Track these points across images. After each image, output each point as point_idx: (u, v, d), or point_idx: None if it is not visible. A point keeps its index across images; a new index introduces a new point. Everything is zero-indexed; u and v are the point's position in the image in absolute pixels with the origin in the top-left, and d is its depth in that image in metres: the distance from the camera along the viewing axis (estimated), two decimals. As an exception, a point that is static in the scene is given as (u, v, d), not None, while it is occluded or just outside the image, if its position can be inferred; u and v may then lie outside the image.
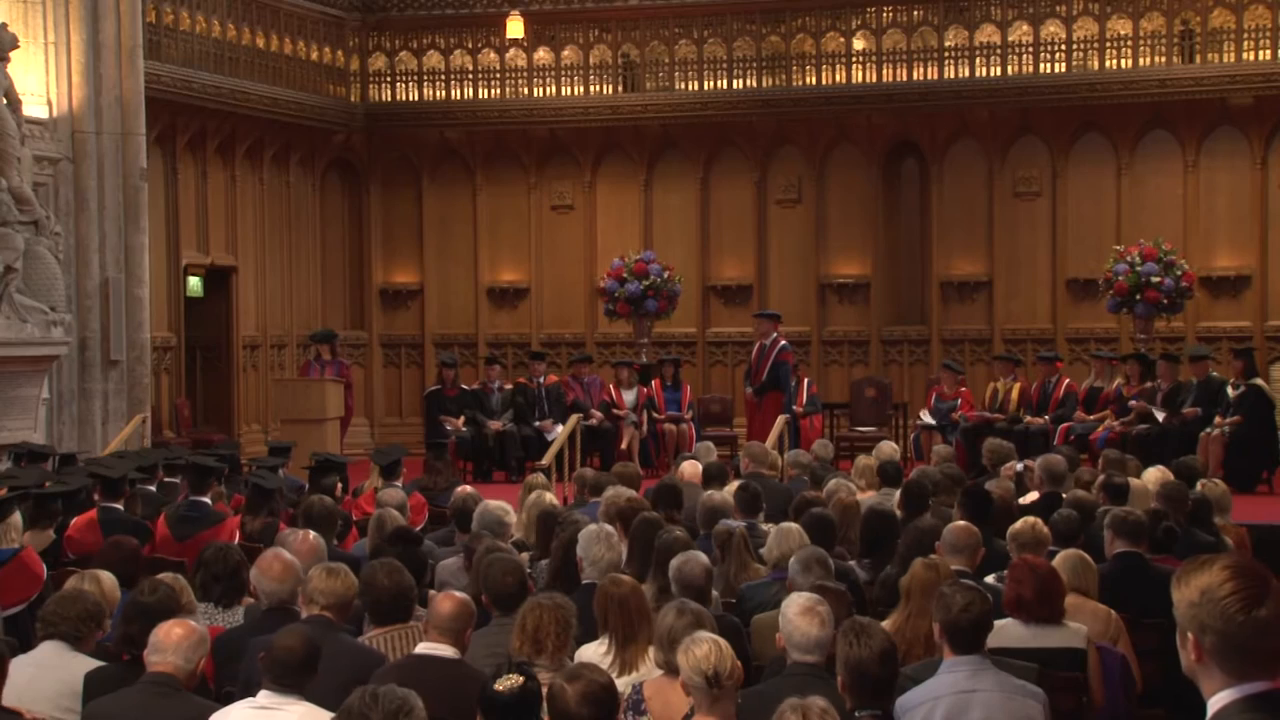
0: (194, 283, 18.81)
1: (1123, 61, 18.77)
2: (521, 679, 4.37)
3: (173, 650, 5.27)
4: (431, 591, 7.06)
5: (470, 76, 20.72)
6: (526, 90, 20.58)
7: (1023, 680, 5.34)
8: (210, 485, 9.80)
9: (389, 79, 20.96)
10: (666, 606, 5.60)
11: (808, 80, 19.76)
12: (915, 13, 19.44)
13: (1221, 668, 3.03)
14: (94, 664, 5.77)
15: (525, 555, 7.95)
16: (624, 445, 16.93)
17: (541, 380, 17.64)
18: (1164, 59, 18.60)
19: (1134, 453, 13.04)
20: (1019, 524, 7.56)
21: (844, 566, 7.49)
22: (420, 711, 4.09)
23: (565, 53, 20.45)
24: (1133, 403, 15.50)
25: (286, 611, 6.18)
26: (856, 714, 4.90)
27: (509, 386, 17.75)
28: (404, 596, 6.14)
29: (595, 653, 5.89)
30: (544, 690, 4.47)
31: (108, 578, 6.48)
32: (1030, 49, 19.05)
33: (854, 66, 19.57)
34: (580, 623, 5.64)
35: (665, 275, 18.57)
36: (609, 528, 7.15)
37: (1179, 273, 17.19)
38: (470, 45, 20.76)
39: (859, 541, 8.38)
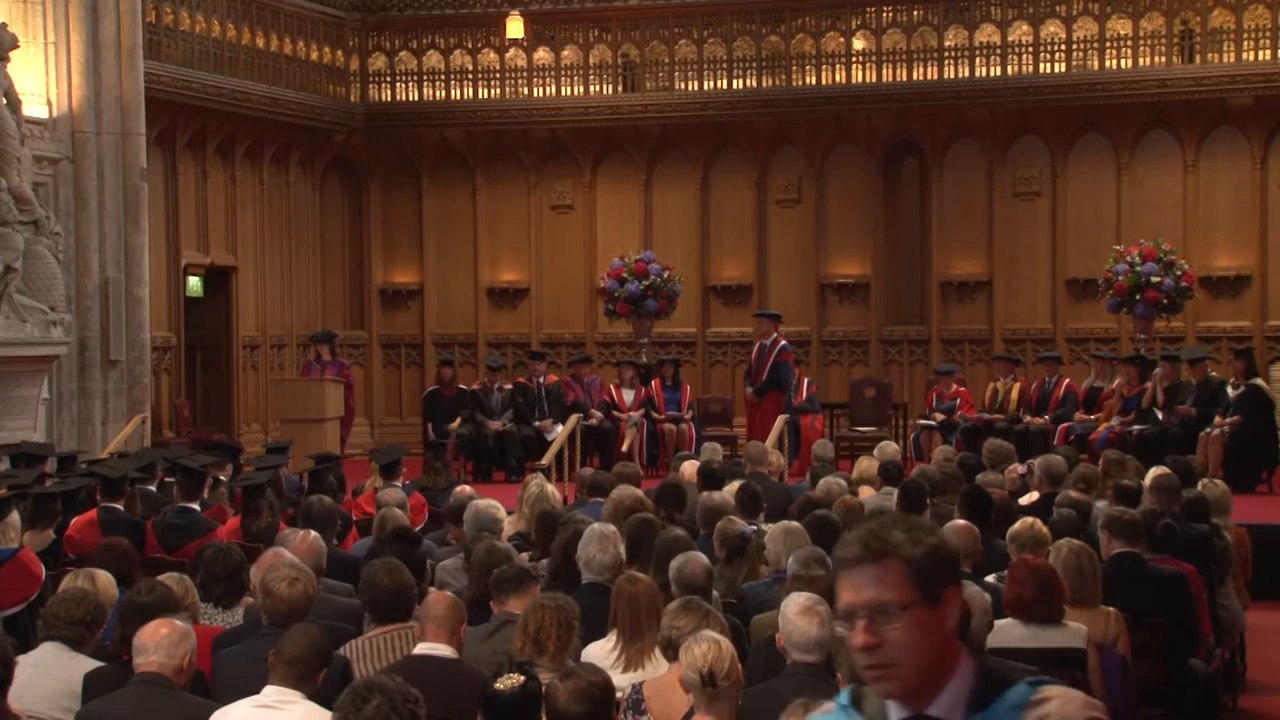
0: (194, 283, 18.80)
1: (1123, 61, 18.77)
2: (522, 678, 4.37)
3: (155, 649, 5.26)
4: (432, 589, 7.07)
5: (470, 76, 20.71)
6: (526, 90, 20.58)
7: None
8: (201, 490, 9.78)
9: (389, 79, 20.95)
10: (674, 602, 5.63)
11: (807, 80, 19.76)
12: (915, 13, 19.43)
13: None
14: (94, 664, 5.77)
15: (525, 555, 7.95)
16: (625, 446, 16.92)
17: (541, 380, 17.64)
18: (1164, 59, 18.60)
19: (1134, 453, 13.04)
20: (1018, 525, 7.56)
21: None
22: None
23: (565, 53, 20.45)
24: (1163, 409, 15.38)
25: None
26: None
27: (509, 386, 17.75)
28: (404, 595, 6.14)
29: (603, 649, 5.91)
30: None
31: (103, 576, 6.47)
32: (1030, 49, 19.05)
33: (854, 66, 19.56)
34: (582, 623, 5.65)
35: (665, 275, 18.56)
36: (610, 527, 7.14)
37: (1179, 273, 17.18)
38: (470, 45, 20.75)
39: None
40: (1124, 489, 9.20)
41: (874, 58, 19.51)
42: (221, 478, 11.07)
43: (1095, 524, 8.22)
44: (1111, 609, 6.71)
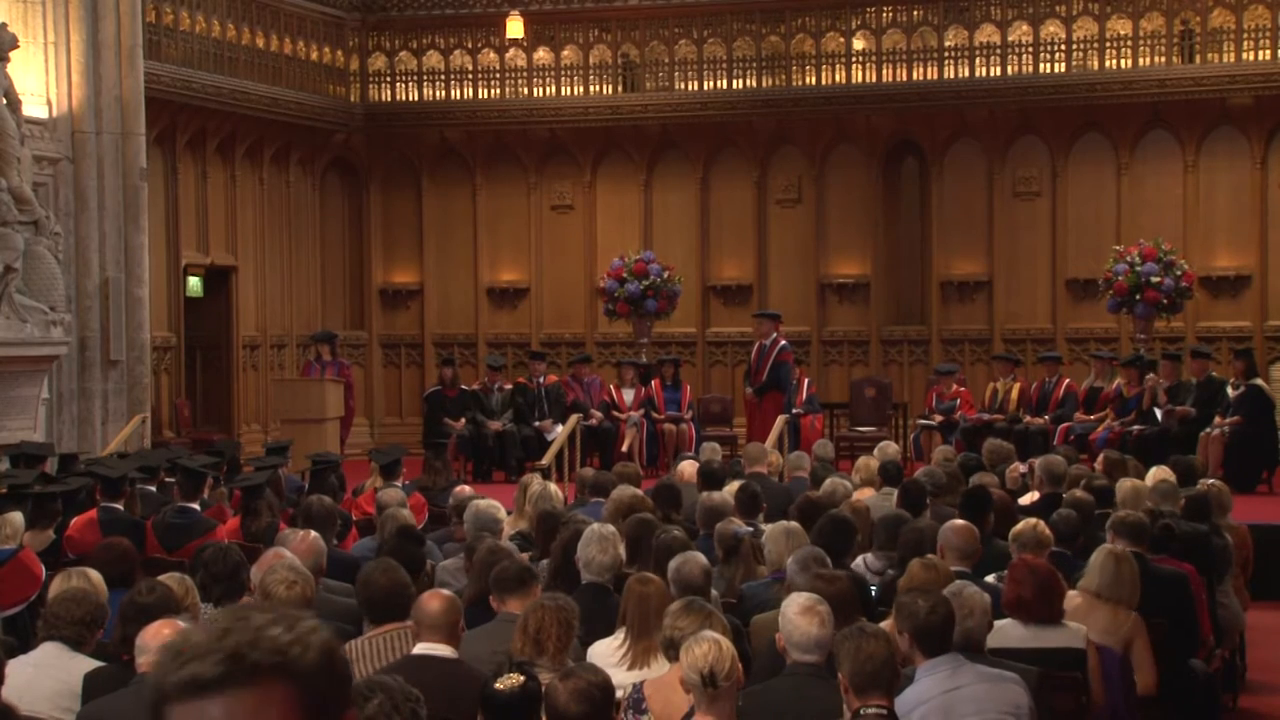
0: (194, 283, 18.80)
1: (1122, 61, 18.77)
2: (522, 678, 4.37)
3: (157, 649, 5.26)
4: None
5: (470, 76, 20.71)
6: (526, 90, 20.58)
7: (998, 669, 5.37)
8: (201, 490, 9.77)
9: (389, 79, 20.96)
10: (676, 603, 5.64)
11: (807, 80, 19.76)
12: (915, 13, 19.44)
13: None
14: (94, 664, 5.77)
15: (526, 555, 7.95)
16: (625, 446, 16.93)
17: (541, 380, 17.65)
18: (1164, 59, 18.60)
19: (1134, 453, 13.04)
20: (1021, 525, 7.56)
21: (850, 571, 7.46)
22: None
23: (565, 53, 20.45)
24: (1162, 409, 15.38)
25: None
26: (862, 711, 4.90)
27: (509, 386, 17.76)
28: (400, 595, 6.13)
29: (609, 647, 5.92)
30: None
31: (95, 574, 6.46)
32: (1030, 49, 19.05)
33: (854, 66, 19.57)
34: (581, 623, 5.65)
35: (665, 275, 18.56)
36: (610, 528, 7.15)
37: (1179, 273, 17.18)
38: (470, 45, 20.76)
39: (879, 534, 8.28)
40: (1098, 488, 9.22)
41: (874, 58, 19.51)
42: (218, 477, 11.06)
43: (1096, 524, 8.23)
44: (1135, 613, 6.76)
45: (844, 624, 5.23)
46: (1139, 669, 6.72)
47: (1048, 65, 19.03)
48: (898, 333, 19.97)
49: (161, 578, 6.37)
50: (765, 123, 20.05)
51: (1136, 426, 15.38)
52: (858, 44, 19.60)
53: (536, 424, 17.19)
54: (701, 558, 6.62)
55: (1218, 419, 14.94)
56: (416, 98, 20.90)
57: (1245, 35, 18.32)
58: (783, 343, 17.16)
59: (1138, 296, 17.16)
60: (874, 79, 19.52)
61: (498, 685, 4.36)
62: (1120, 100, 18.72)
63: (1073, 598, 6.71)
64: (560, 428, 16.19)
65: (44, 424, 14.39)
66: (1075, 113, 19.07)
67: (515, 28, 18.92)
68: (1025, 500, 10.09)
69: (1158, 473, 10.17)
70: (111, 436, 14.99)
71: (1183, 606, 7.37)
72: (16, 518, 8.38)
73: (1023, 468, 11.45)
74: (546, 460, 14.80)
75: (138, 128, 15.60)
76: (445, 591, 5.93)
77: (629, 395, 17.39)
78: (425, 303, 21.24)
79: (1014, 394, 16.69)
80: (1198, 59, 18.54)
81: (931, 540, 7.37)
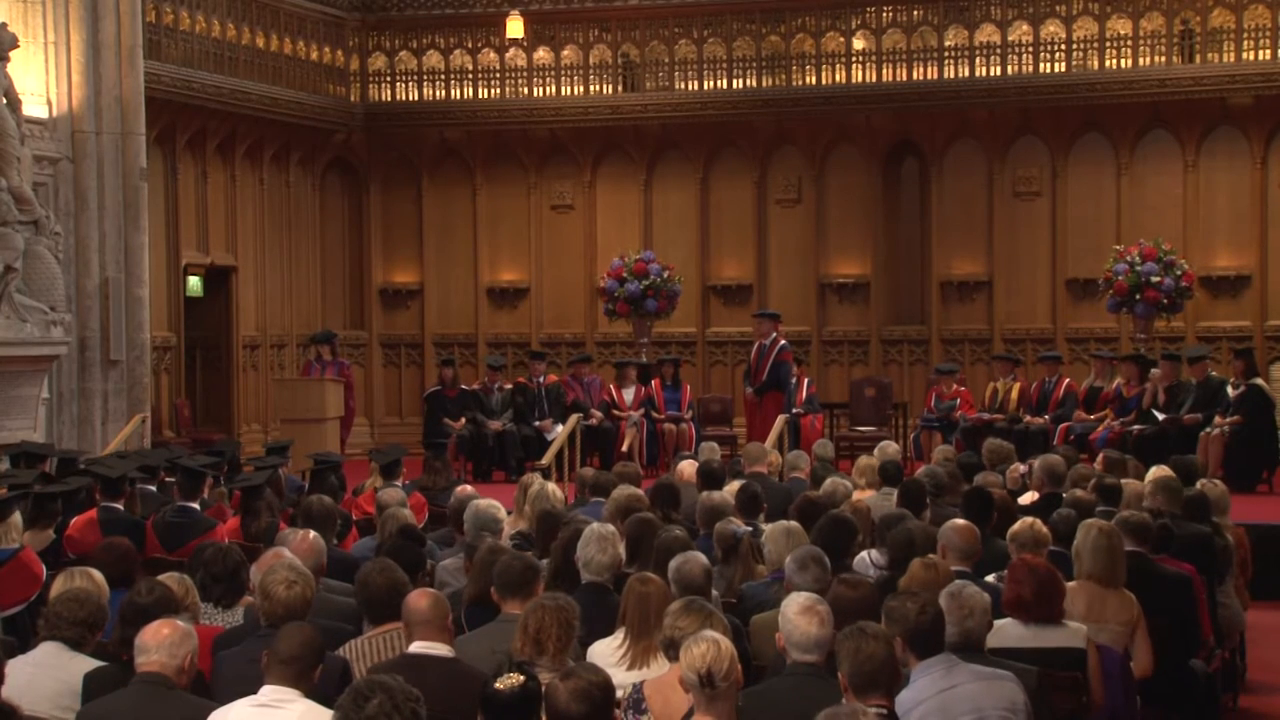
0: (194, 282, 18.81)
1: (1122, 61, 18.78)
2: (522, 678, 4.37)
3: (156, 649, 5.25)
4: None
5: (470, 76, 20.72)
6: (526, 90, 20.58)
7: (993, 668, 5.38)
8: (201, 490, 9.77)
9: (389, 79, 20.96)
10: (677, 602, 5.64)
11: (807, 80, 19.76)
12: (915, 13, 19.44)
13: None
14: (94, 664, 5.77)
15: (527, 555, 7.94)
16: (625, 446, 16.92)
17: (541, 380, 17.65)
18: (1164, 59, 18.61)
19: (1134, 453, 13.03)
20: (1018, 525, 7.55)
21: (849, 573, 7.45)
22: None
23: (565, 53, 20.46)
24: (1164, 409, 15.37)
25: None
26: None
27: (509, 386, 17.76)
28: (398, 594, 6.13)
29: (609, 646, 5.92)
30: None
31: (98, 575, 6.46)
32: (1030, 49, 19.06)
33: (854, 66, 19.57)
34: (582, 623, 5.65)
35: (665, 275, 18.57)
36: (609, 528, 7.14)
37: (1179, 272, 17.19)
38: (470, 45, 20.76)
39: (882, 533, 8.26)
40: (1106, 487, 9.22)
41: (874, 58, 19.51)
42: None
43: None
44: (1130, 594, 6.80)
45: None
46: (1137, 653, 6.75)
47: (1048, 65, 19.04)
48: (898, 333, 19.98)
49: (161, 578, 6.37)
50: (765, 123, 20.06)
51: (1136, 426, 15.37)
52: (858, 44, 19.61)
53: (536, 424, 17.19)
54: (702, 558, 6.62)
55: (1218, 419, 14.93)
56: (416, 98, 20.91)
57: (1245, 35, 18.32)
58: (783, 342, 17.16)
59: (1138, 296, 17.17)
60: (874, 79, 19.52)
61: (498, 685, 4.35)
62: (1120, 100, 18.72)
63: (1074, 590, 6.70)
64: (560, 428, 16.19)
65: (44, 424, 14.39)
66: (1075, 113, 19.07)
67: (515, 28, 18.93)
68: (1025, 500, 10.09)
69: (1158, 473, 10.15)
70: (111, 436, 14.99)
71: (1185, 607, 7.38)
72: (16, 518, 8.38)
73: (1023, 468, 11.45)
74: (546, 460, 14.80)
75: (138, 128, 15.60)
76: (430, 590, 5.94)
77: (629, 395, 17.39)
78: (425, 303, 21.24)
79: (1014, 394, 16.69)
80: (1198, 59, 18.54)
81: (921, 540, 7.37)
